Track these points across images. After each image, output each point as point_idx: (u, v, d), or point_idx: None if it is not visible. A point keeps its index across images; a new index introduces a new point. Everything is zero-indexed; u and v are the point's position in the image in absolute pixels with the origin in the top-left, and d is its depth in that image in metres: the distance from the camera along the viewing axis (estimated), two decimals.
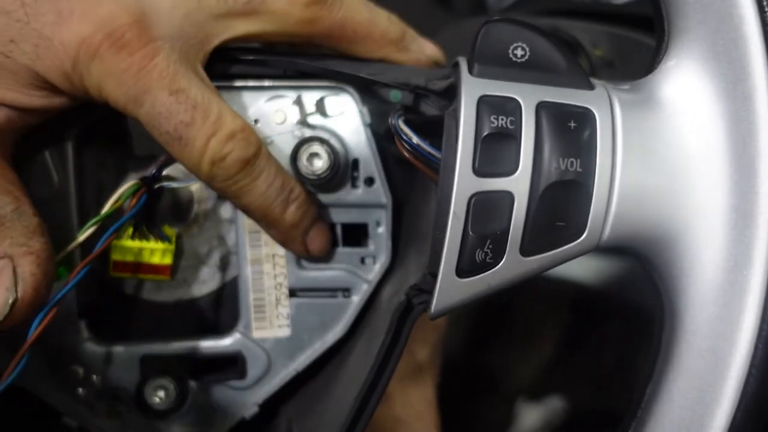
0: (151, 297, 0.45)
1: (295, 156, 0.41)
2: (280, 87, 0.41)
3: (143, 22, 0.35)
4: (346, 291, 0.44)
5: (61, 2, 0.34)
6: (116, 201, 0.40)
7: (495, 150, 0.31)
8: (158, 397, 0.43)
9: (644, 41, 0.50)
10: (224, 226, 0.44)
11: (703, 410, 0.30)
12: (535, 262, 0.31)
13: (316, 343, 0.44)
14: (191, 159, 0.36)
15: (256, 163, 0.37)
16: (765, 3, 0.29)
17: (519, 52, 0.32)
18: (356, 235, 0.44)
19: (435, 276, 0.32)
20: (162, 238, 0.43)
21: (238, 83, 0.41)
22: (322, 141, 0.41)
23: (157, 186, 0.41)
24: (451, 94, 0.37)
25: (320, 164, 0.41)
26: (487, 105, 0.31)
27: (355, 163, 0.42)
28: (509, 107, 0.31)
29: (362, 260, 0.44)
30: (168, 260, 0.43)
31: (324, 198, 0.42)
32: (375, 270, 0.43)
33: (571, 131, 0.31)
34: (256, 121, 0.41)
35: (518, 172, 0.31)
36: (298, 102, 0.42)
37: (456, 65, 0.34)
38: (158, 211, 0.44)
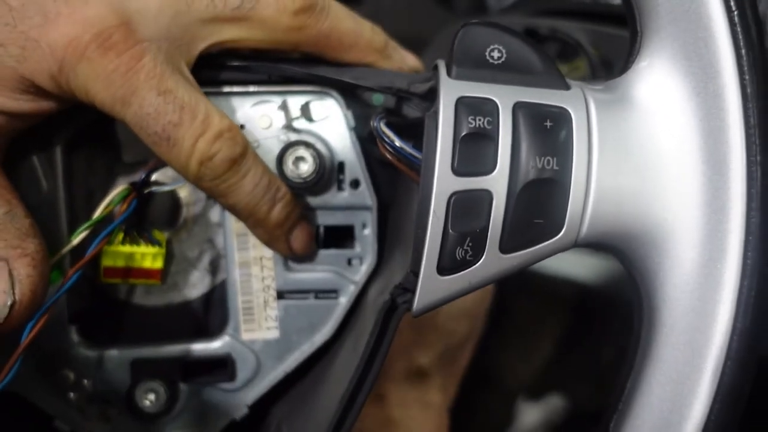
0: (142, 301, 0.45)
1: (281, 160, 0.42)
2: (265, 92, 0.42)
3: (130, 24, 0.35)
4: (334, 292, 0.44)
5: (48, 4, 0.34)
6: (107, 206, 0.40)
7: (473, 150, 0.31)
8: (149, 400, 0.44)
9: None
10: (213, 230, 0.45)
11: (681, 402, 0.31)
12: (514, 259, 0.32)
13: (305, 345, 0.44)
14: (179, 159, 0.37)
15: (243, 163, 0.38)
16: (732, 2, 0.30)
17: (496, 54, 0.33)
18: (343, 237, 0.44)
19: (417, 274, 0.33)
20: (152, 242, 0.43)
21: (225, 89, 0.42)
22: (308, 145, 0.42)
23: (146, 191, 0.42)
24: (432, 96, 0.37)
25: (306, 168, 0.42)
26: (465, 106, 0.32)
27: (341, 166, 0.43)
28: (487, 108, 0.32)
29: (349, 262, 0.44)
30: (159, 264, 0.43)
31: (310, 201, 0.43)
32: (361, 271, 0.44)
33: (548, 130, 0.31)
34: (242, 126, 0.42)
35: (496, 171, 0.31)
36: (284, 107, 0.42)
37: (436, 68, 0.35)
38: (148, 215, 0.44)
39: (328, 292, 0.44)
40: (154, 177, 0.42)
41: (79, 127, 0.42)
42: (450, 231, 0.31)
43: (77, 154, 0.43)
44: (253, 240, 0.43)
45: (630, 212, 0.32)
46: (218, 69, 0.41)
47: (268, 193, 0.39)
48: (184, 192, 0.45)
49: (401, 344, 0.37)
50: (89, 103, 0.36)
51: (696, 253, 0.31)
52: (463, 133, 0.31)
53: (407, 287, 0.35)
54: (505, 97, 0.32)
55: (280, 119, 0.42)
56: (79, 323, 0.44)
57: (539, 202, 0.32)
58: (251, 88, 0.42)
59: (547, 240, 0.32)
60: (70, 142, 0.42)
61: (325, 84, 0.42)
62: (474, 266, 0.32)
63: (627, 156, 0.32)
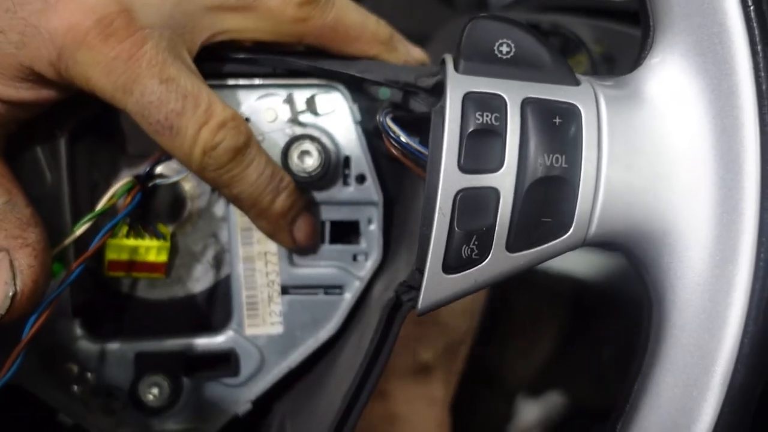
0: (145, 295, 0.45)
1: (286, 154, 0.41)
2: (270, 85, 0.42)
3: (132, 10, 0.35)
4: (338, 288, 0.44)
5: None
6: (111, 198, 0.40)
7: (480, 146, 0.31)
8: (152, 394, 0.43)
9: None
10: (217, 224, 0.44)
11: (690, 405, 0.30)
12: (521, 258, 0.31)
13: (309, 340, 0.44)
14: (182, 148, 0.36)
15: (247, 152, 0.38)
16: None
17: (504, 49, 0.32)
18: (348, 232, 0.44)
19: (422, 272, 0.32)
20: (157, 235, 0.43)
21: (229, 82, 0.41)
22: (313, 139, 0.41)
23: (150, 184, 0.41)
24: (439, 91, 0.37)
25: (311, 162, 0.41)
26: (472, 102, 0.31)
27: (347, 161, 0.42)
28: (494, 104, 0.31)
29: (354, 257, 0.44)
30: (163, 258, 0.43)
31: (315, 196, 0.43)
32: (367, 267, 0.44)
33: (557, 127, 0.31)
34: (247, 119, 0.41)
35: (504, 168, 0.31)
36: (289, 100, 0.42)
37: (443, 62, 0.34)
38: (152, 208, 0.44)
39: (333, 288, 0.44)
40: (158, 170, 0.42)
41: (83, 119, 0.42)
42: (456, 229, 0.31)
43: (81, 146, 0.43)
44: (257, 235, 0.43)
45: (640, 211, 0.31)
46: (223, 61, 0.40)
47: (271, 183, 0.39)
48: (189, 185, 0.44)
49: (405, 339, 0.37)
50: (90, 92, 0.35)
51: (707, 253, 0.30)
52: (470, 130, 0.31)
53: (412, 285, 0.34)
54: (513, 92, 0.31)
55: (285, 112, 0.42)
56: (82, 316, 0.43)
57: (547, 201, 0.31)
58: (257, 81, 0.41)
59: (555, 239, 0.31)
60: (73, 134, 0.42)
61: (330, 77, 0.41)
62: (480, 265, 0.31)
63: (637, 154, 0.31)
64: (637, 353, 0.32)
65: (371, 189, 0.43)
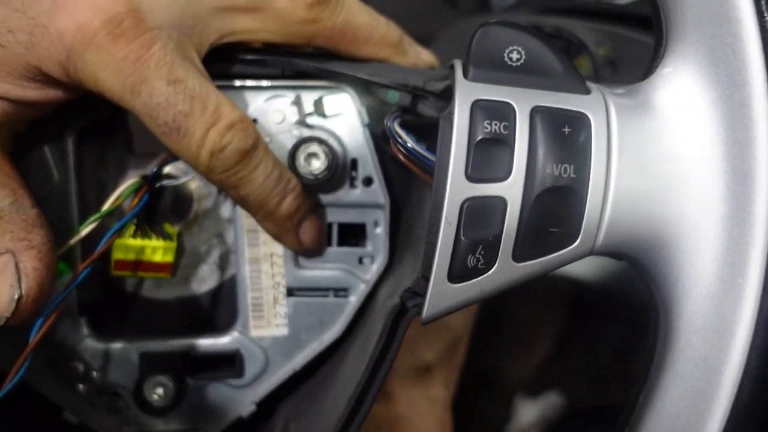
0: (151, 294, 0.45)
1: (293, 156, 0.41)
2: (278, 87, 0.41)
3: (141, 11, 0.35)
4: (344, 291, 0.44)
5: None
6: (117, 198, 0.40)
7: (488, 155, 0.31)
8: (157, 394, 0.44)
9: (648, 41, 0.50)
10: (224, 225, 0.44)
11: (695, 418, 0.30)
12: (527, 268, 0.31)
13: (314, 343, 0.44)
14: (190, 150, 0.36)
15: (254, 155, 0.37)
16: (764, 7, 0.29)
17: (515, 56, 0.32)
18: (354, 235, 0.44)
19: (428, 280, 0.32)
20: (164, 236, 0.43)
21: (237, 83, 0.41)
22: (321, 141, 0.41)
23: (158, 184, 0.41)
24: (448, 95, 0.37)
25: (318, 164, 0.41)
26: (480, 110, 0.31)
27: (354, 163, 0.42)
28: (503, 112, 0.31)
29: (360, 260, 0.44)
30: (169, 258, 0.43)
31: (322, 198, 0.42)
32: (372, 270, 0.43)
33: (566, 136, 0.31)
34: (255, 120, 0.41)
35: (511, 177, 0.31)
36: (297, 102, 0.42)
37: (452, 67, 0.34)
38: (159, 209, 0.44)
39: (339, 291, 0.44)
40: (165, 170, 0.42)
41: (91, 119, 0.42)
42: (462, 238, 0.31)
43: (89, 146, 0.43)
44: (263, 236, 0.43)
45: (648, 222, 0.31)
46: (232, 62, 0.40)
47: (278, 185, 0.39)
48: (196, 185, 0.44)
49: (407, 340, 0.37)
50: (98, 92, 0.35)
51: (716, 266, 0.30)
52: (478, 138, 0.30)
53: (417, 291, 0.34)
54: (522, 100, 0.31)
55: (293, 114, 0.42)
56: (89, 315, 0.44)
57: (555, 211, 0.31)
58: (264, 83, 0.41)
59: (562, 249, 0.31)
60: (82, 134, 0.42)
61: (339, 79, 0.41)
62: (486, 274, 0.31)
63: (647, 164, 0.31)
64: (644, 365, 0.32)
65: (378, 192, 0.42)
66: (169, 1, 0.36)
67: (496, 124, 0.30)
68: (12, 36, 0.34)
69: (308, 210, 0.41)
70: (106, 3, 0.34)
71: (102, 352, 0.44)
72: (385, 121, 0.37)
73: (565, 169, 0.30)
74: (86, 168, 0.43)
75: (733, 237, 0.29)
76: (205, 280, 0.45)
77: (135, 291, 0.45)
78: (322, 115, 0.42)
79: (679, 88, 0.31)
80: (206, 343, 0.44)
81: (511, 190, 0.30)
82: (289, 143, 0.41)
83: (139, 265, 0.43)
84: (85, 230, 0.38)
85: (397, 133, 0.35)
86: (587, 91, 0.32)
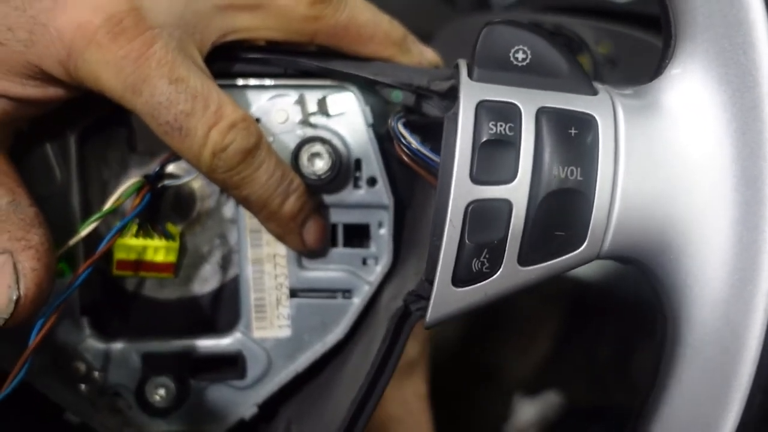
0: (154, 294, 0.45)
1: (296, 156, 0.41)
2: (282, 86, 0.41)
3: (141, 9, 0.34)
4: (347, 292, 0.43)
5: None
6: (119, 198, 0.39)
7: (493, 157, 0.30)
8: (159, 395, 0.43)
9: (648, 40, 0.50)
10: (226, 225, 0.44)
11: (703, 429, 0.30)
12: (533, 272, 0.31)
13: (317, 344, 0.43)
14: (192, 150, 0.36)
15: (257, 154, 0.37)
16: None
17: (520, 56, 0.31)
18: (358, 235, 0.43)
19: (432, 283, 0.32)
20: (166, 235, 0.42)
21: (240, 82, 0.41)
22: (324, 141, 0.41)
23: (160, 184, 0.41)
24: (453, 95, 0.36)
25: (321, 164, 0.41)
26: (486, 110, 0.30)
27: (358, 164, 0.42)
28: (509, 113, 0.30)
29: (364, 261, 0.43)
30: (172, 258, 0.43)
31: (325, 198, 0.42)
32: (376, 271, 0.43)
33: (572, 138, 0.30)
34: (258, 120, 0.41)
35: (517, 180, 0.30)
36: (300, 101, 0.41)
37: (457, 67, 0.33)
38: (161, 208, 0.43)
39: (342, 292, 0.43)
40: (168, 169, 0.42)
41: (93, 118, 0.42)
42: (466, 242, 0.30)
43: (91, 145, 0.42)
44: (266, 237, 0.43)
45: (656, 226, 0.30)
46: (234, 61, 0.40)
47: (281, 185, 0.38)
48: (198, 185, 0.44)
49: None
50: (99, 91, 0.35)
51: (725, 272, 0.29)
52: (483, 140, 0.30)
53: (421, 294, 0.34)
54: (528, 101, 0.30)
55: (296, 114, 0.41)
56: (90, 315, 0.43)
57: (561, 214, 0.30)
58: (268, 82, 0.41)
59: (568, 253, 0.31)
60: (84, 133, 0.42)
61: (343, 79, 0.41)
62: (490, 279, 0.31)
63: (655, 167, 0.30)
64: (651, 371, 0.32)
65: (382, 192, 0.42)
66: (170, 0, 0.35)
67: (501, 125, 0.30)
68: (12, 34, 0.34)
69: (312, 210, 0.41)
70: (106, 1, 0.34)
71: (104, 353, 0.43)
72: (389, 121, 0.36)
73: (572, 171, 0.30)
74: (88, 167, 0.42)
75: (744, 242, 0.29)
76: (207, 281, 0.45)
77: (137, 291, 0.44)
78: (326, 114, 0.42)
79: (688, 90, 0.30)
80: (208, 343, 0.44)
81: (516, 192, 0.30)
82: (293, 143, 0.41)
83: (141, 265, 0.42)
84: (86, 230, 0.38)
85: (400, 133, 0.35)
86: (594, 92, 0.31)
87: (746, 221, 0.29)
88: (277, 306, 0.43)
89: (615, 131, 0.30)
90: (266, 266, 0.43)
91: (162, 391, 0.43)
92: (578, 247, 0.31)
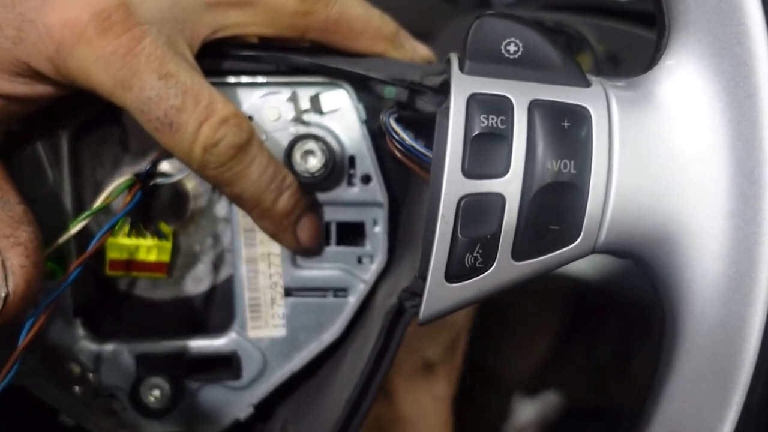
0: (147, 295, 0.44)
1: (289, 153, 0.40)
2: (274, 83, 0.41)
3: (130, 5, 0.34)
4: (342, 291, 0.43)
5: None
6: (109, 195, 0.39)
7: (485, 151, 0.30)
8: (153, 396, 0.43)
9: (649, 37, 0.49)
10: (220, 225, 0.44)
11: (704, 423, 0.29)
12: (527, 267, 0.30)
13: (312, 344, 0.43)
14: (182, 145, 0.35)
15: (248, 150, 0.37)
16: None
17: (512, 48, 0.31)
18: (353, 234, 0.43)
19: (425, 280, 0.31)
20: (159, 235, 0.42)
21: (231, 79, 0.40)
22: (317, 138, 0.40)
23: (152, 182, 0.41)
24: (446, 90, 0.36)
25: (315, 162, 0.40)
26: (477, 103, 0.30)
27: (351, 161, 0.41)
28: (501, 106, 0.30)
29: (359, 260, 0.43)
30: (165, 258, 0.42)
31: (319, 196, 0.42)
32: (371, 270, 0.43)
33: (565, 131, 0.30)
34: (250, 117, 0.40)
35: (509, 173, 0.30)
36: (293, 98, 0.41)
37: (449, 61, 0.33)
38: (154, 208, 0.43)
39: (337, 291, 0.43)
40: (160, 168, 0.41)
41: (85, 117, 0.41)
42: (459, 236, 0.30)
43: (84, 144, 0.42)
44: (260, 236, 0.42)
45: (652, 218, 0.30)
46: (226, 58, 0.39)
47: (274, 181, 0.38)
48: (191, 184, 0.44)
49: (410, 338, 0.36)
50: (89, 88, 0.35)
51: (722, 264, 0.29)
52: (475, 133, 0.30)
53: (415, 291, 0.34)
54: (520, 94, 0.30)
55: (289, 111, 0.41)
56: (84, 316, 0.43)
57: (555, 207, 0.30)
58: (260, 79, 0.41)
59: (563, 247, 0.30)
60: (76, 132, 0.41)
61: (335, 75, 0.40)
62: (484, 274, 0.30)
63: (650, 159, 0.30)
64: (651, 367, 0.31)
65: (376, 190, 0.42)
66: None
67: (493, 119, 0.29)
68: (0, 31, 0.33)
69: (305, 208, 0.40)
70: None
71: (97, 354, 0.43)
72: (381, 117, 0.36)
73: (565, 164, 0.29)
74: (81, 167, 0.42)
75: (740, 234, 0.28)
76: (201, 281, 0.44)
77: (130, 291, 0.44)
78: (319, 111, 0.41)
79: (682, 81, 0.30)
80: (203, 344, 0.43)
81: (509, 186, 0.29)
82: (285, 141, 0.40)
83: (134, 265, 0.42)
84: (76, 227, 0.38)
85: (393, 128, 0.34)
86: (587, 84, 0.31)
87: (743, 212, 0.28)
88: (272, 305, 0.43)
89: (609, 123, 0.30)
90: (260, 265, 0.43)
91: (157, 392, 0.43)
92: (573, 242, 0.30)
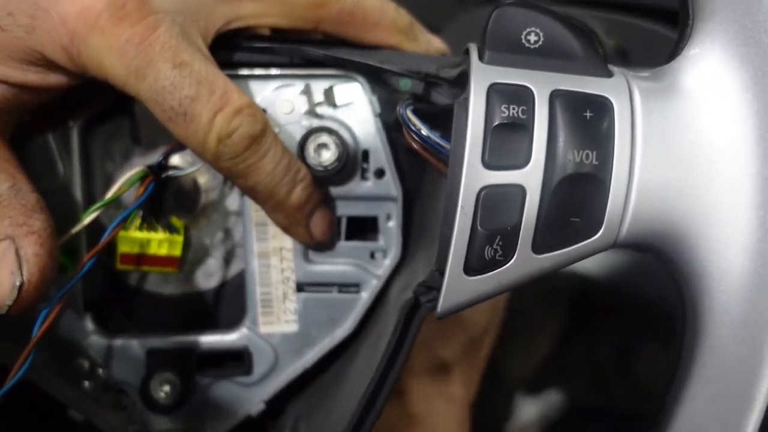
0: (158, 290, 0.44)
1: (302, 147, 0.40)
2: (287, 76, 0.40)
3: None
4: (355, 286, 0.42)
5: None
6: (122, 186, 0.39)
7: (506, 141, 0.29)
8: (163, 391, 0.42)
9: (659, 31, 0.49)
10: (231, 219, 0.43)
11: (728, 422, 0.29)
12: (547, 260, 0.30)
13: (324, 340, 0.42)
14: (196, 136, 0.35)
15: (263, 141, 0.36)
16: None
17: (532, 38, 0.30)
18: (366, 228, 0.42)
19: (443, 273, 0.31)
20: (170, 228, 0.42)
21: (244, 72, 0.40)
22: (331, 131, 0.40)
23: (164, 175, 0.40)
24: (463, 82, 0.35)
25: (328, 155, 0.40)
26: (497, 93, 0.29)
27: (365, 155, 0.41)
28: (521, 96, 0.29)
29: (372, 255, 0.42)
30: (177, 252, 0.42)
31: (332, 190, 0.41)
32: (385, 265, 0.42)
33: (587, 121, 0.29)
34: (263, 110, 0.40)
35: (530, 164, 0.29)
36: (307, 91, 0.41)
37: (467, 52, 0.33)
38: (165, 201, 0.43)
39: (350, 286, 0.42)
40: (171, 161, 0.41)
41: (96, 109, 0.41)
42: (479, 228, 0.29)
43: (94, 137, 0.42)
44: (272, 230, 0.42)
45: (675, 211, 0.29)
46: (239, 50, 0.39)
47: (288, 173, 0.38)
48: (203, 178, 0.43)
49: (423, 337, 0.35)
50: (102, 78, 0.35)
51: (747, 258, 0.28)
52: (495, 123, 0.29)
53: (432, 285, 0.33)
54: (541, 84, 0.30)
55: (302, 104, 0.41)
56: (94, 311, 0.43)
57: (576, 199, 0.29)
58: (273, 71, 0.40)
59: (584, 240, 0.30)
60: (87, 124, 0.41)
61: (350, 67, 0.40)
62: (504, 267, 0.30)
63: (674, 150, 0.29)
64: (670, 365, 0.30)
65: (390, 184, 0.41)
66: None
67: (514, 109, 0.29)
68: (12, 19, 0.33)
69: (319, 201, 0.40)
70: None
71: (107, 349, 0.43)
72: (398, 108, 0.35)
73: (587, 155, 0.29)
74: (91, 160, 0.42)
75: (766, 227, 0.28)
76: (212, 275, 0.44)
77: (141, 286, 0.44)
78: (333, 104, 0.41)
79: (707, 70, 0.29)
80: (214, 339, 0.43)
81: (530, 177, 0.29)
82: (299, 134, 0.40)
83: (145, 259, 0.42)
84: (88, 218, 0.37)
85: (410, 120, 0.34)
86: (609, 75, 0.30)
87: None
88: (284, 300, 0.42)
89: (631, 114, 0.29)
90: (272, 260, 0.42)
91: (167, 388, 0.42)
92: (594, 234, 0.30)
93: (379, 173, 0.41)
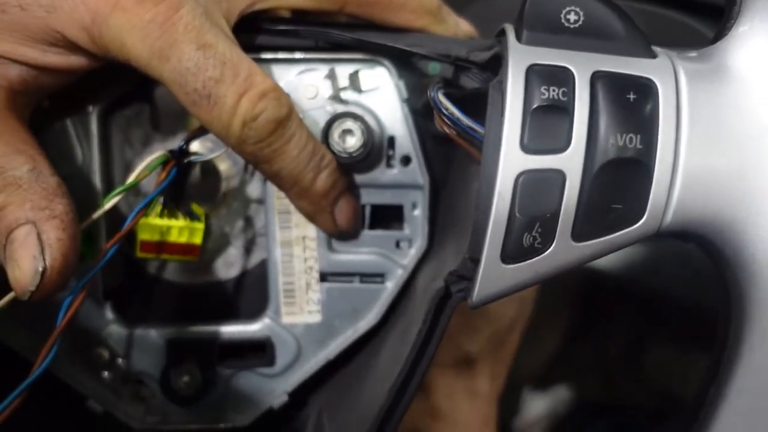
0: (178, 279, 0.43)
1: (327, 133, 0.39)
2: (311, 60, 0.39)
3: None
4: (380, 276, 0.41)
5: None
6: (143, 171, 0.38)
7: (545, 124, 0.28)
8: (184, 382, 0.42)
9: (675, 18, 0.48)
10: (252, 207, 0.42)
11: None
12: (587, 248, 0.29)
13: (348, 331, 0.42)
14: (221, 119, 0.34)
15: (288, 125, 0.35)
16: None
17: (572, 17, 0.29)
18: (391, 217, 0.41)
19: (476, 262, 0.30)
20: (191, 216, 0.41)
21: (268, 55, 0.39)
22: (356, 117, 0.39)
23: (186, 160, 0.39)
24: (494, 66, 0.34)
25: (353, 142, 0.39)
26: (536, 75, 0.28)
27: (391, 141, 0.40)
28: (561, 77, 0.28)
29: (397, 244, 0.41)
30: (197, 240, 0.41)
31: (357, 178, 0.40)
32: (410, 255, 0.41)
33: (631, 104, 0.28)
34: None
35: (571, 148, 0.28)
36: (331, 75, 0.39)
37: (501, 33, 0.31)
38: (186, 188, 0.42)
39: (374, 276, 0.41)
40: (192, 147, 0.40)
41: (116, 94, 0.40)
42: (517, 215, 0.28)
43: (114, 122, 0.41)
44: (295, 219, 0.41)
45: (722, 199, 0.28)
46: (263, 33, 0.38)
47: (313, 159, 0.37)
48: (225, 165, 0.42)
49: (448, 330, 0.34)
50: (124, 59, 0.34)
51: None
52: (535, 105, 0.28)
53: (463, 274, 0.32)
54: (582, 65, 0.28)
55: (327, 89, 0.39)
56: (113, 300, 0.42)
57: (618, 185, 0.28)
58: (297, 55, 0.39)
59: (626, 228, 0.29)
60: (106, 109, 0.40)
61: (376, 51, 0.39)
62: (542, 255, 0.28)
63: (721, 134, 0.28)
64: (712, 359, 0.29)
65: (417, 172, 0.40)
66: None
67: (554, 90, 0.28)
68: None
69: (344, 188, 0.39)
70: None
71: (127, 339, 0.42)
72: (429, 92, 0.34)
73: (630, 139, 0.28)
74: (111, 145, 0.41)
75: None
76: (233, 265, 0.43)
77: (161, 275, 0.43)
78: (358, 89, 0.40)
79: (757, 49, 0.28)
80: (235, 329, 0.42)
81: (570, 162, 0.28)
82: (323, 120, 0.39)
83: (165, 247, 0.41)
84: (110, 203, 0.36)
85: (441, 103, 0.33)
86: (653, 55, 0.29)
87: None
88: (307, 290, 0.42)
89: (677, 96, 0.28)
90: (295, 249, 0.41)
91: (187, 379, 0.42)
92: (637, 222, 0.28)
93: (405, 160, 0.40)
